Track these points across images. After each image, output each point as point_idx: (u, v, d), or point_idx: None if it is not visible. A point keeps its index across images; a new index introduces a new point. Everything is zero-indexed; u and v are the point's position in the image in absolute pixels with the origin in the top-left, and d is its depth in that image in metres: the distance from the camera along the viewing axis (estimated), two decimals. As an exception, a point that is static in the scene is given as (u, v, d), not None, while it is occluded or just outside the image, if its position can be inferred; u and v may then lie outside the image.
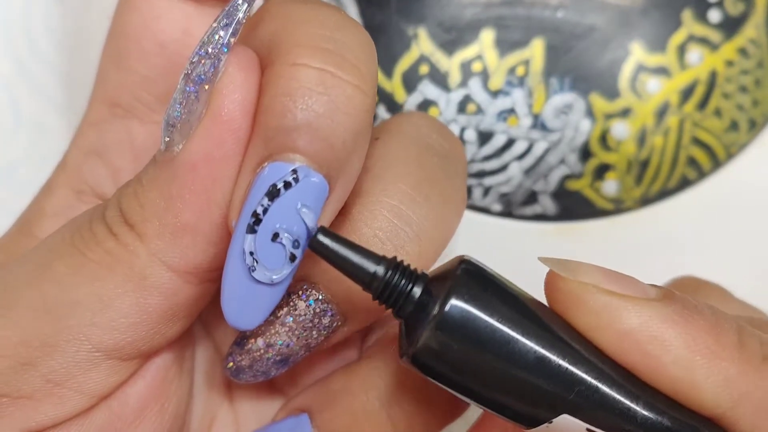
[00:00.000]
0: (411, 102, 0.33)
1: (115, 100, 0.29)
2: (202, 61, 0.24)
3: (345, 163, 0.24)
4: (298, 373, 0.29)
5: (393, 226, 0.25)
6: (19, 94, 0.39)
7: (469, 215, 0.34)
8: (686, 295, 0.24)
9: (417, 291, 0.23)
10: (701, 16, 0.33)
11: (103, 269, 0.24)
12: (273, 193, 0.23)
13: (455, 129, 0.33)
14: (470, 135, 0.33)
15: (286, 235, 0.23)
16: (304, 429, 0.27)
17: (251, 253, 0.23)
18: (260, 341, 0.26)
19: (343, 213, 0.26)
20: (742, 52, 0.34)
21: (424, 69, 0.33)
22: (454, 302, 0.22)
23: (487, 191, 0.33)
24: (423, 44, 0.33)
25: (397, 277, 0.23)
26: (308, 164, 0.23)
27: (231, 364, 0.26)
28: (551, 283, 0.24)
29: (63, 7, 0.39)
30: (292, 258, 0.23)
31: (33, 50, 0.39)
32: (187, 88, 0.24)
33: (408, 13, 0.33)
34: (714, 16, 0.33)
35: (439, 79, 0.33)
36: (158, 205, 0.24)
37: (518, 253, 0.34)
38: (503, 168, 0.33)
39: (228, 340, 0.29)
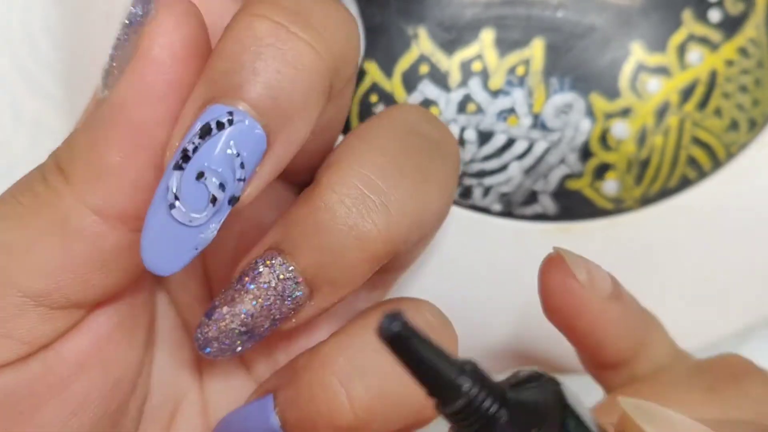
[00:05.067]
0: (411, 101, 0.33)
1: None
2: (136, 5, 0.24)
3: (287, 120, 0.23)
4: (275, 362, 0.29)
5: (360, 194, 0.25)
6: (19, 94, 0.39)
7: (469, 215, 0.34)
8: None
9: (502, 416, 0.19)
10: (701, 16, 0.33)
11: (30, 213, 0.24)
12: (204, 131, 0.23)
13: (455, 129, 0.33)
14: (470, 135, 0.33)
15: (212, 178, 0.23)
16: (267, 409, 0.26)
17: (174, 191, 0.23)
18: (225, 309, 0.26)
19: (315, 180, 0.26)
20: (743, 51, 0.34)
21: (424, 69, 0.33)
22: None
23: (487, 191, 0.33)
24: (423, 44, 0.33)
25: (480, 394, 0.19)
26: (248, 110, 0.23)
27: (199, 335, 0.26)
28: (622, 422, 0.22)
29: (63, 7, 0.39)
30: (213, 200, 0.23)
31: (33, 50, 0.39)
32: (119, 33, 0.24)
33: (408, 12, 0.33)
34: (714, 15, 0.33)
35: (439, 78, 0.33)
36: (85, 147, 0.24)
37: (518, 252, 0.34)
38: (503, 168, 0.33)
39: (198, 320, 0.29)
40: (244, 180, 0.23)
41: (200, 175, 0.23)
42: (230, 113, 0.23)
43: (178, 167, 0.23)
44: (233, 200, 0.23)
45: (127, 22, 0.24)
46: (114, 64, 0.24)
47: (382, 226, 0.25)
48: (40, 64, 0.39)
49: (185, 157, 0.23)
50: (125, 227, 0.24)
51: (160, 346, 0.29)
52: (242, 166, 0.23)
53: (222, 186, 0.23)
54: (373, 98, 0.33)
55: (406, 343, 0.18)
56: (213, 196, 0.23)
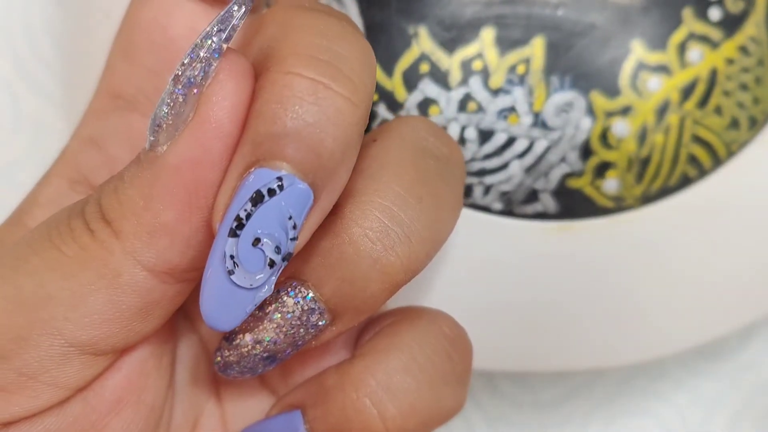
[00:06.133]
0: (411, 100, 0.33)
1: (119, 92, 0.29)
2: (193, 65, 0.24)
3: (331, 174, 0.24)
4: (289, 372, 0.29)
5: (383, 227, 0.26)
6: (19, 94, 0.39)
7: (469, 214, 0.34)
8: None
9: None
10: (702, 14, 0.33)
11: (77, 265, 0.24)
12: (257, 199, 0.23)
13: (456, 127, 0.33)
14: (471, 133, 0.33)
15: (266, 241, 0.23)
16: (296, 425, 0.27)
17: (231, 257, 0.23)
18: (248, 337, 0.26)
19: (335, 212, 0.26)
20: (743, 49, 0.34)
21: (424, 67, 0.33)
22: None
23: (487, 190, 0.33)
24: (423, 43, 0.33)
25: None
26: (294, 173, 0.23)
27: (219, 358, 0.27)
28: None
29: (63, 7, 0.39)
30: (271, 264, 0.23)
31: (33, 50, 0.39)
32: (176, 90, 0.24)
33: (408, 11, 0.33)
34: (714, 14, 0.33)
35: (440, 77, 0.33)
36: (137, 204, 0.24)
37: (519, 251, 0.34)
38: (504, 166, 0.33)
39: (214, 336, 0.29)
40: (296, 238, 0.24)
41: (256, 241, 0.23)
42: (279, 178, 0.23)
43: (233, 234, 0.23)
44: (287, 257, 0.24)
45: (186, 81, 0.24)
46: (169, 122, 0.24)
47: (404, 257, 0.26)
48: (40, 64, 0.39)
49: (240, 225, 0.23)
50: (173, 280, 0.25)
51: (180, 364, 0.29)
52: (294, 226, 0.23)
53: (278, 248, 0.23)
54: (374, 97, 0.33)
55: None
56: (271, 260, 0.23)
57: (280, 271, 0.24)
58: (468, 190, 0.34)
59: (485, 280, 0.35)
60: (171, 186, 0.24)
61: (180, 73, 0.24)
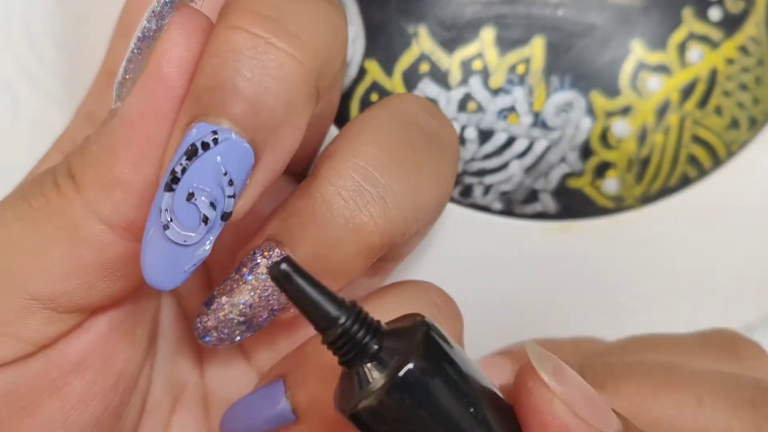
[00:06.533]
0: (411, 100, 0.33)
1: (115, 69, 0.29)
2: (150, 19, 0.24)
3: (272, 132, 0.23)
4: (276, 350, 0.29)
5: (357, 185, 0.25)
6: (19, 94, 0.39)
7: (469, 214, 0.34)
8: None
9: (373, 346, 0.22)
10: (702, 14, 0.33)
11: (41, 217, 0.24)
12: (191, 153, 0.23)
13: (456, 127, 0.33)
14: (471, 133, 0.33)
15: (202, 198, 0.23)
16: (278, 393, 0.27)
17: (167, 211, 0.23)
18: (224, 299, 0.26)
19: (314, 171, 0.26)
20: (743, 49, 0.34)
21: (424, 67, 0.33)
22: (410, 370, 0.21)
23: (487, 189, 0.33)
24: (423, 42, 0.33)
25: (356, 326, 0.22)
26: (232, 127, 0.23)
27: (198, 324, 0.27)
28: (524, 375, 0.23)
29: (63, 7, 0.39)
30: (205, 219, 0.23)
31: (33, 50, 0.39)
32: (133, 46, 0.24)
33: (408, 11, 0.33)
34: (714, 14, 0.33)
35: (440, 77, 0.33)
36: (96, 157, 0.24)
37: (519, 251, 0.34)
38: (504, 166, 0.33)
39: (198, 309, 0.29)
40: (234, 196, 0.23)
41: (190, 196, 0.23)
42: (215, 132, 0.23)
43: (169, 189, 0.23)
44: (225, 216, 0.23)
45: (140, 35, 0.24)
46: (127, 77, 0.24)
47: (378, 218, 0.25)
48: (40, 64, 0.39)
49: (174, 179, 0.23)
50: (132, 237, 0.24)
51: (162, 337, 0.29)
52: (231, 183, 0.23)
53: (213, 204, 0.23)
54: (374, 97, 0.33)
55: (292, 281, 0.22)
56: (204, 215, 0.23)
57: (219, 231, 0.23)
58: (468, 190, 0.34)
59: (485, 279, 0.35)
60: (124, 139, 0.24)
61: (140, 30, 0.24)
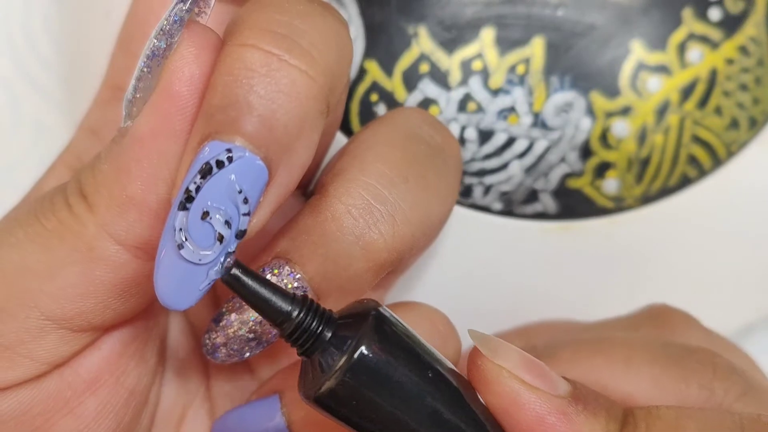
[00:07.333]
0: (411, 100, 0.33)
1: (117, 83, 0.29)
2: (159, 37, 0.24)
3: (286, 148, 0.23)
4: (278, 361, 0.29)
5: (366, 204, 0.25)
6: (19, 94, 0.39)
7: (469, 214, 0.34)
8: (595, 393, 0.24)
9: (327, 334, 0.23)
10: (701, 15, 0.33)
11: (54, 238, 0.24)
12: (205, 171, 0.23)
13: (455, 128, 0.33)
14: (470, 133, 0.33)
15: (216, 215, 0.23)
16: (273, 409, 0.27)
17: (181, 230, 0.23)
18: (233, 316, 0.26)
19: (320, 190, 0.26)
20: (743, 50, 0.34)
21: (424, 67, 0.33)
22: (364, 352, 0.23)
23: (487, 190, 0.33)
24: (423, 43, 0.33)
25: (309, 317, 0.23)
26: (245, 145, 0.23)
27: (207, 341, 0.27)
28: (472, 357, 0.24)
29: (63, 7, 0.39)
30: (220, 238, 0.23)
31: (33, 50, 0.39)
32: (142, 64, 0.24)
33: (408, 11, 0.33)
34: (714, 14, 0.33)
35: (440, 77, 0.33)
36: (109, 177, 0.24)
37: (519, 251, 0.34)
38: (504, 166, 0.33)
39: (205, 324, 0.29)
40: (249, 213, 0.23)
41: (205, 215, 0.23)
42: (229, 150, 0.23)
43: (183, 207, 0.23)
44: (240, 234, 0.23)
45: (149, 53, 0.24)
46: (137, 96, 0.24)
47: (387, 235, 0.25)
48: (40, 64, 0.39)
49: (189, 198, 0.23)
50: (146, 256, 0.24)
51: (170, 352, 0.29)
52: (246, 200, 0.23)
53: (228, 223, 0.23)
54: (374, 97, 0.33)
55: (244, 283, 0.23)
56: (219, 234, 0.23)
57: (234, 247, 0.23)
58: (468, 190, 0.34)
59: (485, 279, 0.35)
60: (135, 157, 0.24)
61: (147, 47, 0.24)
